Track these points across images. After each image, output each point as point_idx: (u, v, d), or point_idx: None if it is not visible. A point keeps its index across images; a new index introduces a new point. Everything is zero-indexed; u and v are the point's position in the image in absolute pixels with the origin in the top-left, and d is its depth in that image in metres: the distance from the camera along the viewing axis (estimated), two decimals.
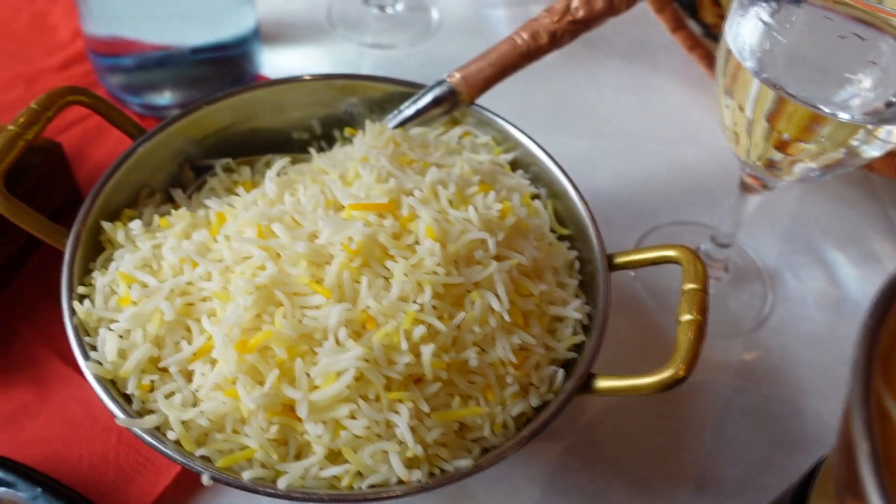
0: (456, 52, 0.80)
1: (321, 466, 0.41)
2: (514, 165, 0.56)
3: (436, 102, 0.56)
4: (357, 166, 0.48)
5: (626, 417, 0.56)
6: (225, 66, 0.71)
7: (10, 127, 0.46)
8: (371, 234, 0.43)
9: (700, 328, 0.43)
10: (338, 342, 0.41)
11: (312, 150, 0.56)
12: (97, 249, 0.49)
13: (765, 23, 0.47)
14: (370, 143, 0.51)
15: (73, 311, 0.45)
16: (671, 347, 0.43)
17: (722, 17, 0.77)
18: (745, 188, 0.57)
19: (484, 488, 0.52)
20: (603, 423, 0.56)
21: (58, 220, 0.49)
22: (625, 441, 0.55)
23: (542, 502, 0.52)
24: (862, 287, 0.66)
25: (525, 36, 0.55)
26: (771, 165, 0.51)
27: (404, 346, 0.41)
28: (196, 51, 0.67)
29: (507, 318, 0.44)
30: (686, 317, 0.44)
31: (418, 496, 0.42)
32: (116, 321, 0.44)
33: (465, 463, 0.42)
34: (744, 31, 0.48)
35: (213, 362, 0.43)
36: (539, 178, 0.55)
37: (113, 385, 0.43)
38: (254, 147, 0.57)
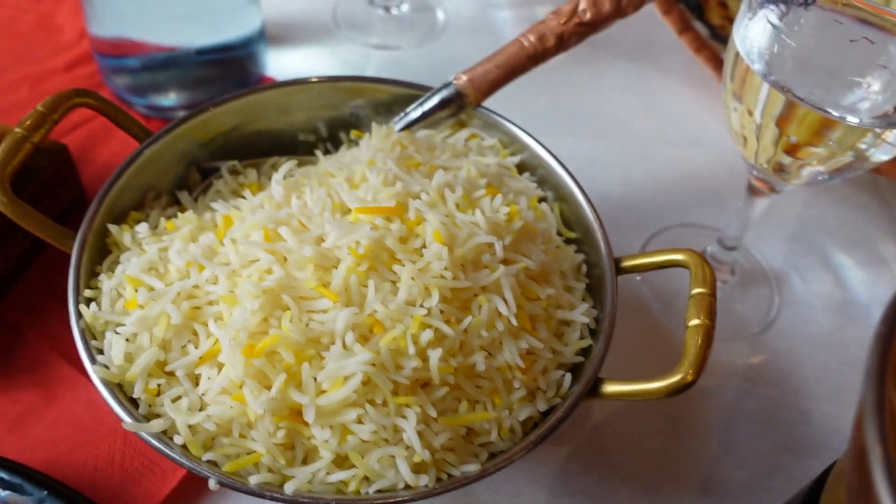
0: (461, 54, 0.80)
1: (328, 471, 0.41)
2: (521, 168, 0.56)
3: (442, 105, 0.55)
4: (364, 169, 0.48)
5: (632, 421, 0.56)
6: (230, 67, 0.71)
7: (17, 129, 0.46)
8: (378, 238, 0.43)
9: (708, 333, 0.43)
10: (345, 346, 0.41)
11: (318, 153, 0.56)
12: (103, 252, 0.49)
13: (773, 26, 0.47)
14: (377, 145, 0.51)
15: (79, 315, 0.45)
16: (677, 351, 0.43)
17: (728, 18, 0.77)
18: (752, 191, 0.56)
19: (489, 491, 0.52)
20: (609, 427, 0.56)
21: (63, 222, 0.49)
22: (630, 444, 0.55)
23: None
24: (869, 290, 0.66)
25: (532, 38, 0.55)
26: (779, 169, 0.51)
27: (411, 350, 0.41)
28: (201, 52, 0.67)
29: (514, 322, 0.44)
30: (694, 321, 0.43)
31: (425, 501, 0.41)
32: (123, 324, 0.44)
33: (472, 468, 0.42)
34: (752, 34, 0.48)
35: (220, 366, 0.42)
36: (546, 180, 0.55)
37: (119, 389, 0.43)
38: (259, 149, 0.57)
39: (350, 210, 0.46)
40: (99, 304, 0.46)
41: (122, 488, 0.49)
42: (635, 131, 0.76)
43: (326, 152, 0.59)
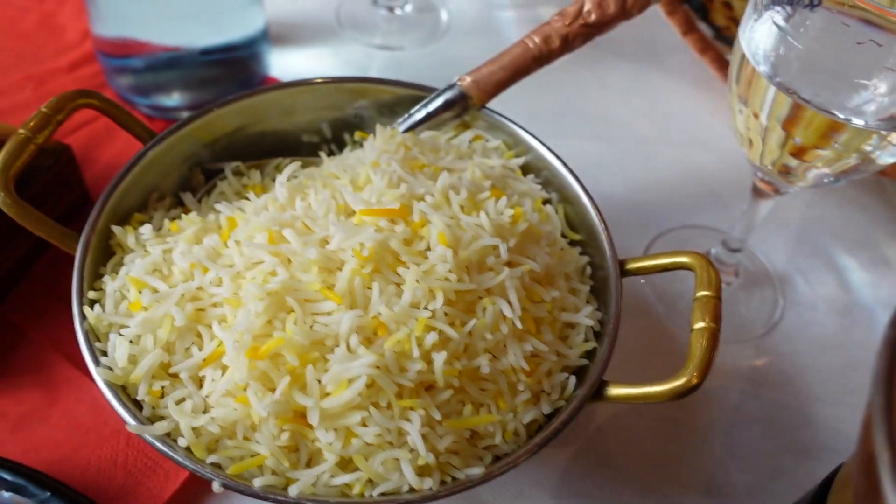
0: (465, 54, 0.80)
1: (332, 474, 0.41)
2: (525, 169, 0.55)
3: (446, 106, 0.55)
4: (368, 171, 0.48)
5: (636, 423, 0.56)
6: (233, 67, 0.71)
7: (21, 130, 0.46)
8: (382, 240, 0.43)
9: (713, 336, 0.43)
10: (349, 349, 0.41)
11: (323, 154, 0.56)
12: (107, 254, 0.49)
13: (779, 27, 0.46)
14: (381, 147, 0.51)
15: (83, 317, 0.45)
16: (681, 353, 0.43)
17: (733, 19, 0.77)
18: (757, 193, 0.56)
19: (492, 493, 0.52)
20: (612, 429, 0.56)
21: (66, 223, 0.49)
22: (634, 446, 0.55)
23: None
24: (873, 292, 0.66)
25: (537, 40, 0.55)
26: (785, 171, 0.51)
27: (416, 353, 0.41)
28: (205, 52, 0.67)
29: (518, 324, 0.44)
30: (699, 324, 0.43)
31: None
32: (127, 326, 0.44)
33: (476, 471, 0.42)
34: (758, 36, 0.48)
35: (224, 368, 0.42)
36: (550, 182, 0.54)
37: (123, 391, 0.43)
38: (263, 150, 0.57)
39: (354, 212, 0.46)
40: (103, 306, 0.46)
41: (125, 489, 0.49)
42: (639, 132, 0.76)
43: (330, 153, 0.59)
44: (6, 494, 0.45)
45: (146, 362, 0.42)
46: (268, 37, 0.73)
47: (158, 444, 0.41)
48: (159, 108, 0.69)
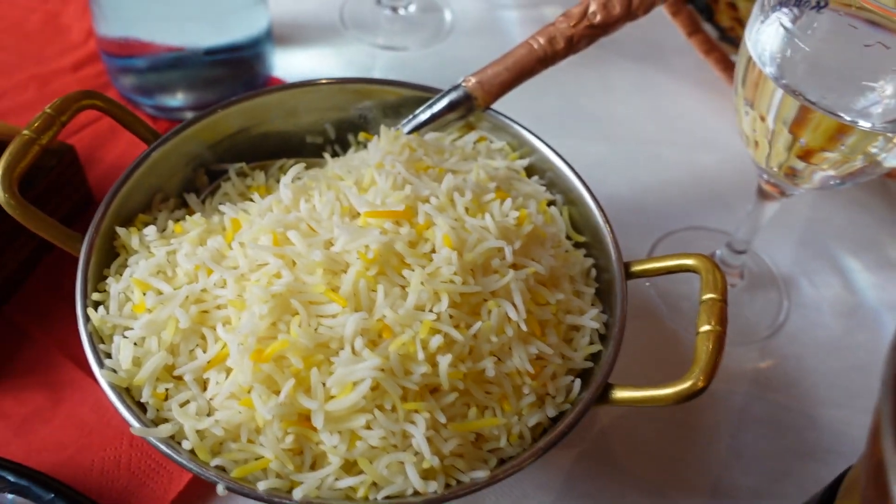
0: (468, 54, 0.80)
1: (337, 477, 0.40)
2: (530, 171, 0.55)
3: (451, 107, 0.55)
4: (373, 173, 0.48)
5: (640, 425, 0.56)
6: (237, 67, 0.70)
7: (25, 132, 0.46)
8: (387, 243, 0.43)
9: (719, 339, 0.43)
10: (354, 352, 0.41)
11: (327, 156, 0.56)
12: (111, 255, 0.49)
13: (786, 29, 0.46)
14: (385, 148, 0.51)
15: (87, 319, 0.44)
16: (686, 355, 0.43)
17: (738, 20, 0.77)
18: (762, 195, 0.56)
19: (496, 496, 0.52)
20: (616, 431, 0.55)
21: (70, 223, 0.48)
22: (638, 449, 0.55)
23: None
24: (878, 294, 0.66)
25: (542, 41, 0.54)
26: (791, 174, 0.51)
27: (421, 355, 0.41)
28: (209, 52, 0.67)
29: (523, 327, 0.44)
30: (705, 327, 0.43)
31: None
32: (131, 328, 0.44)
33: (481, 474, 0.41)
34: (764, 38, 0.48)
35: (228, 371, 0.42)
36: (554, 183, 0.54)
37: (127, 393, 0.43)
38: (267, 151, 0.57)
39: (359, 214, 0.46)
40: (107, 308, 0.45)
41: (129, 491, 0.49)
42: (643, 133, 0.76)
43: (334, 154, 0.58)
44: (9, 496, 0.45)
45: (150, 364, 0.42)
46: (271, 37, 0.73)
47: (162, 447, 0.40)
48: (163, 109, 0.69)
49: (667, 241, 0.67)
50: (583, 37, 0.54)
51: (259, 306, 0.42)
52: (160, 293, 0.45)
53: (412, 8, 0.85)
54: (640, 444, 0.55)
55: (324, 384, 0.41)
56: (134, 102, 0.69)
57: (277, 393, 0.40)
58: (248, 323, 0.42)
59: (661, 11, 0.73)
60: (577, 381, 0.46)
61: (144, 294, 0.45)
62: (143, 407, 0.43)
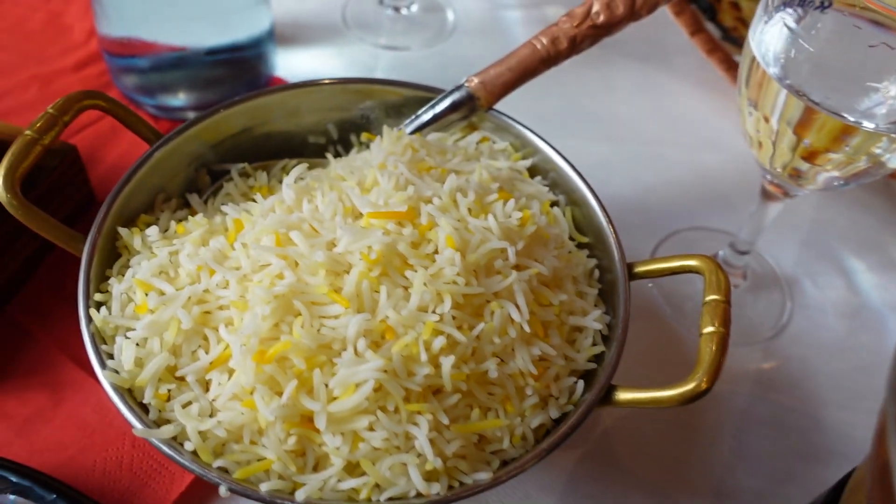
0: (471, 54, 0.80)
1: (339, 478, 0.40)
2: (533, 171, 0.55)
3: (454, 107, 0.55)
4: (375, 173, 0.48)
5: (643, 426, 0.56)
6: (239, 67, 0.70)
7: (28, 132, 0.46)
8: (390, 244, 0.43)
9: (723, 340, 0.43)
10: (357, 353, 0.41)
11: (329, 156, 0.56)
12: (113, 255, 0.49)
13: (790, 29, 0.46)
14: (388, 148, 0.51)
15: (89, 319, 0.44)
16: (689, 355, 0.43)
17: (741, 20, 0.77)
18: (766, 196, 0.56)
19: (499, 497, 0.51)
20: (619, 432, 0.55)
21: (72, 223, 0.48)
22: (641, 450, 0.55)
23: None
24: (881, 295, 0.66)
25: (545, 41, 0.54)
26: (796, 175, 0.50)
27: (424, 357, 0.41)
28: (211, 52, 0.67)
29: (526, 328, 0.44)
30: (708, 329, 0.43)
31: None
32: (133, 329, 0.44)
33: (484, 476, 0.41)
34: (768, 38, 0.47)
35: (231, 372, 0.42)
36: (557, 184, 0.54)
37: (129, 394, 0.42)
38: (269, 151, 0.57)
39: (362, 214, 0.45)
40: (109, 309, 0.45)
41: (131, 491, 0.49)
42: (646, 133, 0.76)
43: (337, 154, 0.58)
44: (11, 497, 0.45)
45: (153, 365, 0.42)
46: (274, 37, 0.72)
47: (165, 448, 0.40)
48: (165, 108, 0.69)
49: (670, 241, 0.67)
50: (586, 37, 0.54)
51: (261, 307, 0.42)
52: (162, 294, 0.45)
53: (414, 8, 0.85)
54: (642, 445, 0.55)
55: (326, 385, 0.41)
56: (136, 102, 0.69)
57: (280, 394, 0.40)
58: (250, 324, 0.41)
59: (664, 11, 0.73)
60: (580, 383, 0.46)
61: (147, 295, 0.45)
62: (145, 408, 0.43)
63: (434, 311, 0.42)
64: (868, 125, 0.45)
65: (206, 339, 0.44)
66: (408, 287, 0.43)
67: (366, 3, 0.85)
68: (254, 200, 0.50)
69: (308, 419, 0.41)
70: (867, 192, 0.72)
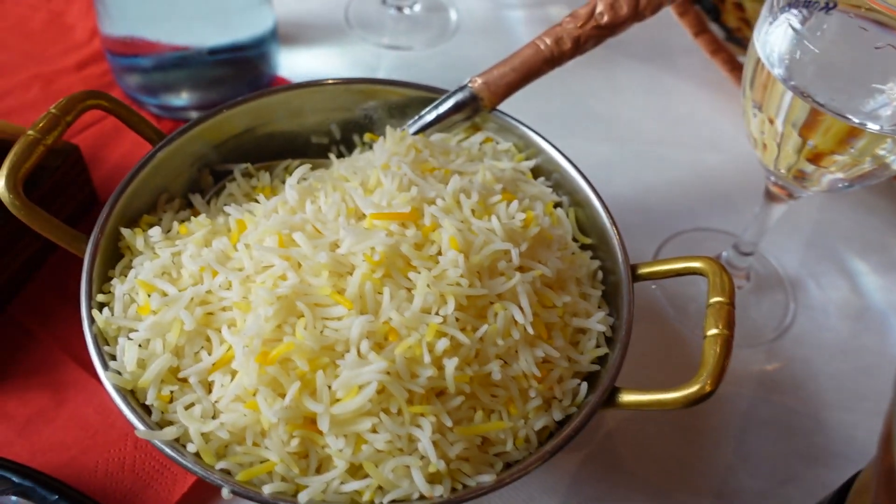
0: (474, 54, 0.80)
1: (342, 481, 0.40)
2: (536, 172, 0.55)
3: (457, 108, 0.55)
4: (378, 174, 0.48)
5: (646, 428, 0.56)
6: (242, 67, 0.70)
7: (30, 132, 0.46)
8: (393, 245, 0.43)
9: (727, 343, 0.42)
10: (360, 354, 0.41)
11: (332, 156, 0.56)
12: (116, 256, 0.49)
13: (795, 30, 0.46)
14: (391, 149, 0.51)
15: (92, 320, 0.44)
16: (692, 357, 0.43)
17: (745, 20, 0.77)
18: (770, 197, 0.56)
19: (502, 499, 0.51)
20: (622, 434, 0.55)
21: (75, 223, 0.48)
22: (644, 452, 0.55)
23: None
24: (885, 296, 0.65)
25: (548, 41, 0.54)
26: (800, 176, 0.50)
27: (427, 359, 0.41)
28: (213, 52, 0.67)
29: (530, 330, 0.44)
30: (713, 331, 0.43)
31: None
32: (136, 330, 0.44)
33: (487, 478, 0.41)
34: (773, 39, 0.47)
35: (234, 373, 0.42)
36: (560, 185, 0.54)
37: (132, 395, 0.42)
38: (272, 151, 0.57)
39: (365, 215, 0.45)
40: (111, 310, 0.45)
41: (133, 492, 0.49)
42: (650, 134, 0.76)
43: (340, 155, 0.58)
44: (13, 498, 0.45)
45: (155, 367, 0.42)
46: (276, 36, 0.72)
47: (167, 450, 0.40)
48: (167, 108, 0.69)
49: (673, 242, 0.67)
50: (590, 37, 0.54)
51: (264, 308, 0.41)
52: (165, 295, 0.45)
53: (417, 7, 0.85)
54: (645, 447, 0.55)
55: (329, 387, 0.40)
56: (138, 102, 0.69)
57: (283, 396, 0.40)
58: (253, 325, 0.41)
59: (668, 12, 0.73)
60: (584, 385, 0.46)
61: (149, 296, 0.45)
62: (147, 409, 0.42)
63: (437, 313, 0.42)
64: (873, 127, 0.45)
65: (208, 340, 0.44)
66: (411, 288, 0.43)
67: (369, 3, 0.85)
68: (257, 201, 0.50)
69: (311, 421, 0.40)
70: (871, 194, 0.72)
